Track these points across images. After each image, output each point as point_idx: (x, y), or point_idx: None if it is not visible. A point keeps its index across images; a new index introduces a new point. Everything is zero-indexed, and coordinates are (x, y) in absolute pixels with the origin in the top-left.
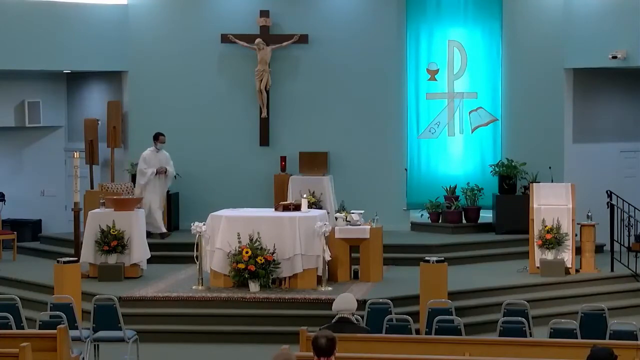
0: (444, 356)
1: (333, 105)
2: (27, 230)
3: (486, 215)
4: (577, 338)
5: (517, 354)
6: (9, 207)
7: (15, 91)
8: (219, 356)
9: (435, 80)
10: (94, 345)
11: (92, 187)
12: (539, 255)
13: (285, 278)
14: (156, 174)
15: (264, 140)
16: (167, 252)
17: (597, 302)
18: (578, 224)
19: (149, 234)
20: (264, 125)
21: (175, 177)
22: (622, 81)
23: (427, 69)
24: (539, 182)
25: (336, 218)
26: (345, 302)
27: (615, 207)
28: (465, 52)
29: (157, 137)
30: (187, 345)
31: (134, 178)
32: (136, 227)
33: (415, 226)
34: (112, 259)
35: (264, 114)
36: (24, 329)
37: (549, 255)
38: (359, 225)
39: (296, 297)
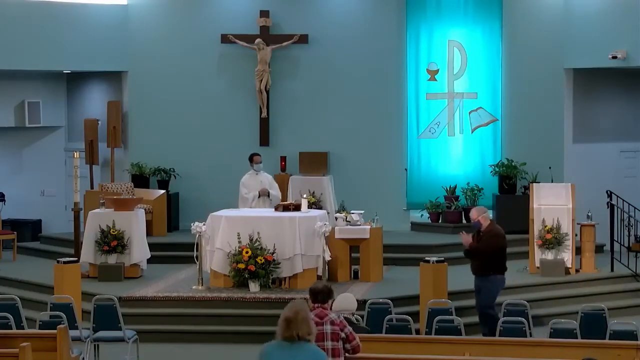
0: (444, 356)
1: (333, 105)
2: (27, 230)
3: None
4: (577, 338)
5: (517, 354)
6: (9, 207)
7: (15, 91)
8: (219, 356)
9: (435, 80)
10: (94, 345)
11: (92, 187)
12: (539, 255)
13: (285, 278)
14: (259, 197)
15: (264, 140)
16: (167, 252)
17: (597, 302)
18: (578, 224)
19: None
20: (264, 125)
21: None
22: (622, 81)
23: (427, 69)
24: (539, 182)
25: (336, 218)
26: (345, 302)
27: (615, 207)
28: (465, 52)
29: (252, 158)
30: (187, 345)
31: (134, 178)
32: (136, 227)
33: (415, 226)
34: (112, 259)
35: (264, 114)
36: (24, 329)
37: (549, 255)
38: (359, 225)
39: (296, 297)
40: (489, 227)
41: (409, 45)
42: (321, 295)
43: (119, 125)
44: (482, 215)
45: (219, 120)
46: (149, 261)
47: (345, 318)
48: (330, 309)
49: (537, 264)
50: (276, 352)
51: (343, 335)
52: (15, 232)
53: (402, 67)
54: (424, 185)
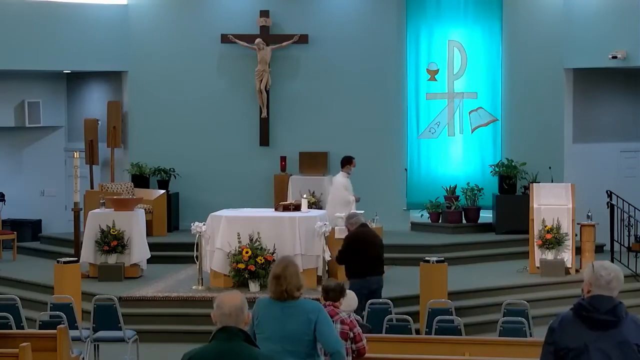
0: (444, 356)
1: (333, 105)
2: (27, 230)
3: (486, 215)
4: None
5: (517, 354)
6: (9, 207)
7: (15, 91)
8: None
9: (435, 80)
10: (94, 345)
11: (92, 187)
12: (539, 255)
13: None
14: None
15: (264, 140)
16: (167, 252)
17: None
18: (578, 224)
19: None
20: (264, 125)
21: None
22: (622, 81)
23: (427, 69)
24: (539, 182)
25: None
26: (345, 301)
27: (615, 207)
28: (465, 52)
29: (350, 161)
30: (187, 346)
31: (134, 178)
32: (136, 227)
33: (415, 226)
34: (112, 259)
35: (264, 114)
36: (24, 329)
37: (549, 255)
38: None
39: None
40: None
41: (409, 45)
42: (333, 293)
43: (119, 125)
44: (348, 222)
45: (219, 121)
46: (149, 261)
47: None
48: (340, 305)
49: (537, 264)
50: (267, 312)
51: (351, 335)
52: (15, 232)
53: (402, 67)
54: (424, 185)
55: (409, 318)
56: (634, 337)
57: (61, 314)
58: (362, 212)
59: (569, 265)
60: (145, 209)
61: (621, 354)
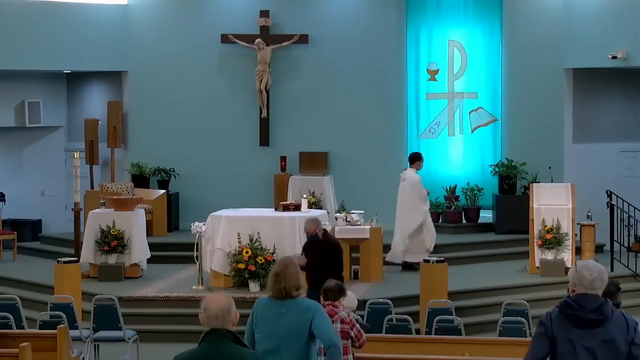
0: (444, 356)
1: (333, 105)
2: (27, 230)
3: (486, 215)
4: None
5: (517, 354)
6: (9, 207)
7: (15, 91)
8: None
9: (435, 80)
10: (94, 345)
11: (92, 187)
12: (539, 255)
13: None
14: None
15: (264, 140)
16: (167, 252)
17: None
18: (578, 224)
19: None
20: (264, 125)
21: None
22: (622, 81)
23: (427, 69)
24: (539, 182)
25: (336, 218)
26: (345, 300)
27: (615, 207)
28: (465, 52)
29: (420, 157)
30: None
31: (134, 178)
32: (136, 227)
33: None
34: (112, 259)
35: (264, 114)
36: (24, 329)
37: (549, 255)
38: (359, 225)
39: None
40: (324, 239)
41: (409, 45)
42: (331, 293)
43: (119, 125)
44: (318, 226)
45: (219, 120)
46: (149, 261)
47: None
48: (340, 305)
49: (537, 264)
50: (266, 311)
51: (352, 334)
52: (15, 232)
53: (402, 67)
54: (424, 185)
55: (409, 318)
56: (620, 336)
57: (61, 314)
58: (362, 211)
59: (569, 265)
60: (145, 209)
61: (607, 352)
